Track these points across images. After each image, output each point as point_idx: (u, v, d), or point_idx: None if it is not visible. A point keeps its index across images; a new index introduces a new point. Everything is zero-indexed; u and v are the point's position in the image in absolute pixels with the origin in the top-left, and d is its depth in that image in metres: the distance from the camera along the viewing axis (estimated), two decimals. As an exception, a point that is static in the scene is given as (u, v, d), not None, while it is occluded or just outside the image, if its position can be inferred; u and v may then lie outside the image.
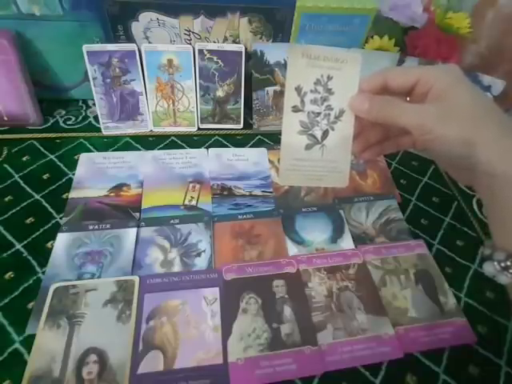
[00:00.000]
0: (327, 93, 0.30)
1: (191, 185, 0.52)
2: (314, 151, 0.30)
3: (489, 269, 0.27)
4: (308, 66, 0.29)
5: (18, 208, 0.48)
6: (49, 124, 0.60)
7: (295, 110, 0.29)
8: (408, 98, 0.29)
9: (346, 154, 0.31)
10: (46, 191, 0.50)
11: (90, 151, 0.56)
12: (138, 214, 0.48)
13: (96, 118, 0.59)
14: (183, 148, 0.58)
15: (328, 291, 0.42)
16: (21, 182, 0.51)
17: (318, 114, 0.30)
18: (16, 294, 0.40)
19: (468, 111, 0.25)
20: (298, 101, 0.29)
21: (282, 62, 0.57)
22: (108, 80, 0.55)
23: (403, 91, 0.29)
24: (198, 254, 0.45)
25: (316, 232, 0.48)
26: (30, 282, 0.41)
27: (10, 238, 0.45)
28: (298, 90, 0.29)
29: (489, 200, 0.27)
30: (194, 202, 0.50)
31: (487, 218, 0.28)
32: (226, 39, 0.56)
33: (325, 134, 0.30)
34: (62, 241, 0.44)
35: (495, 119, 0.25)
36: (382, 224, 0.50)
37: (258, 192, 0.52)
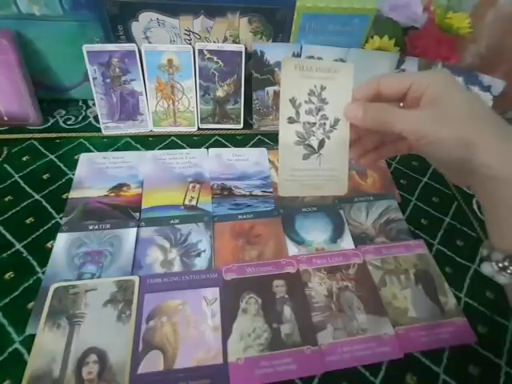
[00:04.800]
0: (321, 103, 0.30)
1: (191, 185, 0.52)
2: (311, 161, 0.31)
3: (487, 269, 0.27)
4: (301, 77, 0.29)
5: (18, 208, 0.48)
6: (49, 124, 0.60)
7: (291, 121, 0.30)
8: (401, 104, 0.30)
9: (344, 162, 0.31)
10: (46, 191, 0.50)
11: (90, 151, 0.56)
12: (138, 214, 0.48)
13: (96, 118, 0.59)
14: (183, 148, 0.58)
15: (328, 291, 0.42)
16: (21, 182, 0.51)
17: (314, 123, 0.30)
18: (16, 294, 0.40)
19: (462, 114, 0.25)
20: (293, 112, 0.30)
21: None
22: (108, 80, 0.55)
23: (396, 97, 0.29)
24: (198, 254, 0.45)
25: (316, 232, 0.48)
26: (30, 282, 0.41)
27: (10, 237, 0.45)
28: (293, 101, 0.29)
29: (487, 201, 0.27)
30: (194, 202, 0.50)
31: (485, 219, 0.28)
32: (226, 39, 0.56)
33: (321, 143, 0.31)
34: (61, 241, 0.44)
35: (491, 121, 0.26)
36: (382, 224, 0.50)
37: (258, 192, 0.52)
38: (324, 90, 0.30)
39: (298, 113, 0.30)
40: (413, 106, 0.28)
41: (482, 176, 0.25)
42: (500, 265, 0.26)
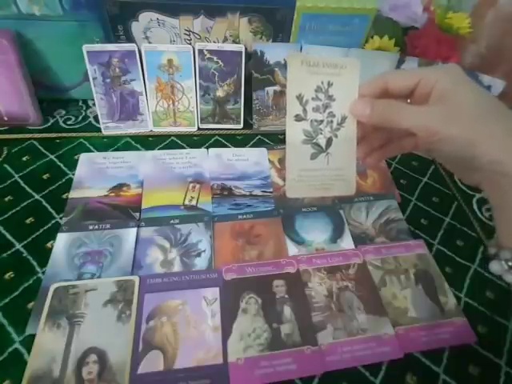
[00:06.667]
0: (328, 99, 0.29)
1: (191, 185, 0.52)
2: (319, 160, 0.30)
3: (495, 268, 0.27)
4: (308, 73, 0.28)
5: (18, 208, 0.48)
6: (49, 124, 0.60)
7: (298, 119, 0.29)
8: (409, 101, 0.29)
9: (351, 161, 0.31)
10: (46, 191, 0.50)
11: (90, 151, 0.56)
12: (138, 214, 0.48)
13: (96, 118, 0.59)
14: (183, 148, 0.58)
15: (328, 291, 0.42)
16: (21, 181, 0.51)
17: (321, 121, 0.29)
18: (16, 294, 0.40)
19: (473, 110, 0.25)
20: (301, 109, 0.29)
21: (282, 61, 0.57)
22: (108, 80, 0.55)
23: (404, 94, 0.29)
24: (198, 254, 0.45)
25: (316, 232, 0.48)
26: (30, 282, 0.41)
27: (10, 237, 0.45)
28: (300, 98, 0.29)
29: (497, 199, 0.27)
30: (194, 202, 0.50)
31: (494, 217, 0.28)
32: (226, 39, 0.56)
33: (329, 141, 0.30)
34: (61, 241, 0.44)
35: (501, 117, 0.25)
36: (382, 224, 0.50)
37: (258, 192, 0.52)
38: (331, 87, 0.29)
39: (305, 110, 0.29)
40: (421, 103, 0.27)
41: (493, 173, 0.25)
42: (510, 263, 0.26)
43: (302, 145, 0.29)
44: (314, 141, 0.30)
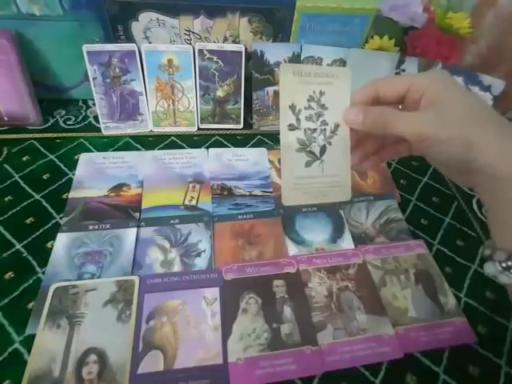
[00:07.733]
0: (321, 108, 0.30)
1: (191, 185, 0.52)
2: (313, 168, 0.30)
3: (490, 269, 0.27)
4: (300, 83, 0.29)
5: (18, 208, 0.48)
6: (49, 124, 0.60)
7: (291, 128, 0.30)
8: (400, 107, 0.29)
9: (346, 167, 0.31)
10: (46, 191, 0.50)
11: (90, 151, 0.56)
12: (137, 214, 0.48)
13: (96, 118, 0.59)
14: (183, 148, 0.58)
15: (328, 291, 0.42)
16: (21, 182, 0.51)
17: (314, 130, 0.30)
18: (16, 294, 0.40)
19: (464, 114, 0.25)
20: (294, 119, 0.29)
21: (282, 61, 0.57)
22: (108, 80, 0.55)
23: (395, 100, 0.29)
24: (198, 254, 0.45)
25: (316, 232, 0.48)
26: (30, 281, 0.41)
27: (10, 237, 0.45)
28: (293, 108, 0.29)
29: (491, 201, 0.27)
30: (193, 202, 0.50)
31: (488, 218, 0.28)
32: (225, 39, 0.56)
33: (323, 149, 0.31)
34: (62, 241, 0.44)
35: (493, 120, 0.25)
36: (382, 224, 0.50)
37: (258, 192, 0.52)
38: (323, 96, 0.30)
39: (298, 119, 0.29)
40: (412, 109, 0.28)
41: (486, 176, 0.25)
42: (503, 265, 0.26)
43: (297, 153, 0.30)
44: (308, 149, 0.30)
